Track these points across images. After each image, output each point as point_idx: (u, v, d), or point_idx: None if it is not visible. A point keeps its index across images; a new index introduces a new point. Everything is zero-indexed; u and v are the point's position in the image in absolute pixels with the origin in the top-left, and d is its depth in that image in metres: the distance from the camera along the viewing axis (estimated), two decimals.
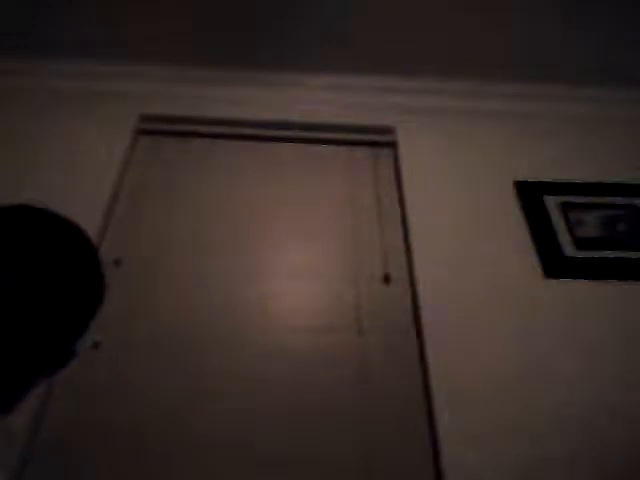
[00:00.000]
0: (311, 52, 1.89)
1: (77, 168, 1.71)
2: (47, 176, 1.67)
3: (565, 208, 1.66)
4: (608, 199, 1.69)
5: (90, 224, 1.54)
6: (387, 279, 1.58)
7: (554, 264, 1.53)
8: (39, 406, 1.28)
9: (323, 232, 1.67)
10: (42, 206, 0.62)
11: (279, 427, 1.30)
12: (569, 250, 1.56)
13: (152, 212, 1.68)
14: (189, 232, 1.64)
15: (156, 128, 1.88)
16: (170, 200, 1.72)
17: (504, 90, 1.95)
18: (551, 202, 1.67)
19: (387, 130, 1.90)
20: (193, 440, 1.27)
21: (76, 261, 0.61)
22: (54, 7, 1.78)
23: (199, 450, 1.26)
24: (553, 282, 1.50)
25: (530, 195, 1.69)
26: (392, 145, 1.88)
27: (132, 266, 1.56)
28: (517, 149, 1.83)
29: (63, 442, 1.25)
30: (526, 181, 1.72)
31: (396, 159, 1.84)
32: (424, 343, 1.39)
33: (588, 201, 1.68)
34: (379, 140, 1.90)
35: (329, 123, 1.90)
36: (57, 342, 0.60)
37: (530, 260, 1.55)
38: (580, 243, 1.58)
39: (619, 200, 1.69)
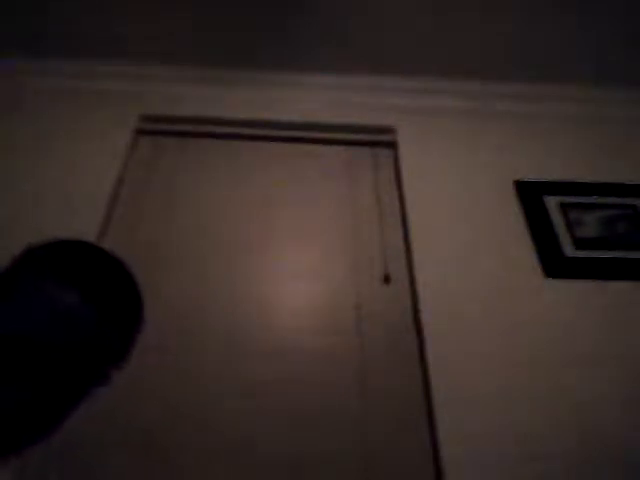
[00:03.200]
0: (311, 52, 1.89)
1: (77, 168, 1.71)
2: (47, 176, 1.68)
3: (565, 208, 1.66)
4: (608, 199, 1.69)
5: (90, 224, 1.56)
6: (387, 279, 1.58)
7: (554, 264, 1.53)
8: None
9: (323, 232, 1.67)
10: (89, 241, 0.71)
11: (279, 427, 1.30)
12: (569, 250, 1.56)
13: (152, 212, 1.69)
14: (189, 232, 1.64)
15: (156, 128, 1.88)
16: (170, 200, 1.72)
17: (504, 90, 1.95)
18: (551, 202, 1.67)
19: (387, 130, 1.90)
20: (193, 439, 1.27)
21: (122, 292, 0.67)
22: (54, 7, 1.78)
23: (199, 450, 1.26)
24: (553, 282, 1.50)
25: (530, 195, 1.69)
26: (392, 145, 1.88)
27: (132, 266, 1.55)
28: (517, 149, 1.83)
29: (63, 442, 1.25)
30: (526, 181, 1.72)
31: (396, 159, 1.84)
32: (424, 343, 1.39)
33: (588, 201, 1.68)
34: (379, 140, 1.90)
35: (329, 123, 1.90)
36: (101, 366, 0.65)
37: (530, 260, 1.55)
38: (580, 243, 1.58)
39: (619, 200, 1.69)
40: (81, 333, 0.60)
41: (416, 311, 1.48)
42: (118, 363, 0.66)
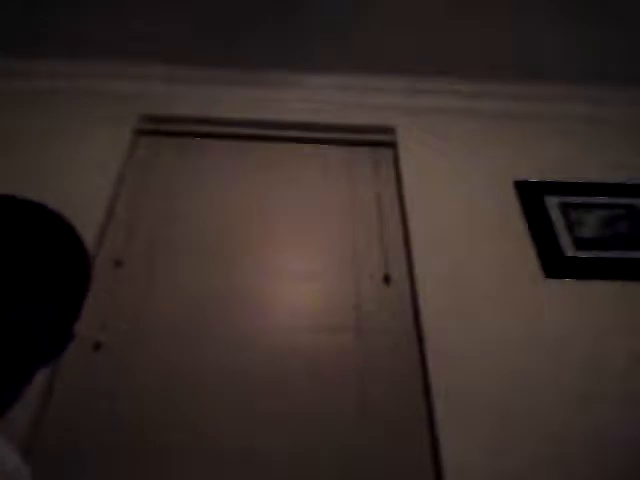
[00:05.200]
0: (311, 52, 1.89)
1: (77, 168, 1.71)
2: (47, 176, 1.67)
3: (565, 208, 1.66)
4: (608, 199, 1.69)
5: (90, 224, 1.55)
6: (387, 279, 1.58)
7: (554, 264, 1.53)
8: (39, 406, 1.28)
9: (323, 232, 1.67)
10: (21, 196, 0.64)
11: (279, 427, 1.30)
12: (569, 250, 1.56)
13: (152, 212, 1.68)
14: (189, 232, 1.64)
15: (156, 128, 1.88)
16: (170, 200, 1.72)
17: (504, 90, 1.95)
18: (551, 202, 1.67)
19: (387, 130, 1.90)
20: (193, 440, 1.27)
21: (61, 244, 0.61)
22: (54, 7, 1.78)
23: (199, 450, 1.26)
24: (553, 282, 1.50)
25: (530, 195, 1.69)
26: (392, 145, 1.88)
27: (132, 266, 1.56)
28: (517, 149, 1.83)
29: (63, 442, 1.25)
30: (526, 181, 1.72)
31: (396, 159, 1.84)
32: (424, 343, 1.39)
33: (588, 201, 1.68)
34: (379, 140, 1.90)
35: (329, 123, 1.90)
36: (55, 326, 0.60)
37: (530, 260, 1.55)
38: (580, 243, 1.58)
39: (619, 200, 1.69)
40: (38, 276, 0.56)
41: (416, 311, 1.48)
42: (72, 319, 0.63)
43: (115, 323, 1.43)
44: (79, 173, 1.69)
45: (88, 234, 1.53)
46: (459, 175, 1.75)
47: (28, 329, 0.56)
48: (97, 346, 1.39)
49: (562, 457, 1.20)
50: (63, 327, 0.62)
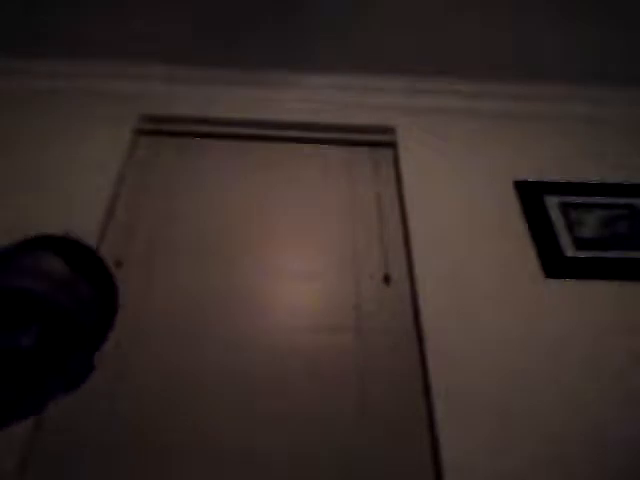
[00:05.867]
0: (311, 52, 1.89)
1: (77, 168, 1.71)
2: (47, 176, 1.67)
3: (565, 208, 1.66)
4: (608, 199, 1.69)
5: (90, 224, 1.55)
6: (387, 279, 1.58)
7: (554, 264, 1.53)
8: None
9: (323, 232, 1.67)
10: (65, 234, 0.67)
11: (279, 427, 1.30)
12: (569, 250, 1.56)
13: (152, 212, 1.68)
14: (189, 232, 1.64)
15: (156, 128, 1.88)
16: (170, 200, 1.72)
17: (504, 90, 1.94)
18: (551, 202, 1.67)
19: (387, 130, 1.90)
20: (193, 440, 1.27)
21: (93, 276, 0.63)
22: (54, 7, 1.78)
23: (199, 450, 1.26)
24: (553, 282, 1.50)
25: (530, 195, 1.69)
26: (392, 145, 1.88)
27: (132, 267, 1.56)
28: (517, 149, 1.83)
29: (63, 442, 1.25)
30: (526, 181, 1.72)
31: (396, 159, 1.84)
32: (424, 343, 1.39)
33: (588, 201, 1.68)
34: (379, 140, 1.90)
35: (329, 123, 1.90)
36: (78, 356, 0.61)
37: (530, 260, 1.55)
38: (580, 243, 1.58)
39: (619, 200, 1.69)
40: (79, 300, 0.59)
41: (416, 311, 1.48)
42: (94, 351, 0.64)
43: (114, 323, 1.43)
44: (79, 173, 1.69)
45: (88, 234, 1.54)
46: (459, 175, 1.75)
47: (58, 355, 0.57)
48: None
49: (562, 457, 1.20)
50: (85, 359, 0.63)
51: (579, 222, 1.63)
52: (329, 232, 1.67)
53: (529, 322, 1.42)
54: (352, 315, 1.50)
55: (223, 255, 1.59)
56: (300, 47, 1.87)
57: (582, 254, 1.56)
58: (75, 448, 1.25)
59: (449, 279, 1.50)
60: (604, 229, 1.62)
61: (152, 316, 1.46)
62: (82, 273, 0.61)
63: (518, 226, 1.63)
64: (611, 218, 1.64)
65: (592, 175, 1.75)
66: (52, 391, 0.59)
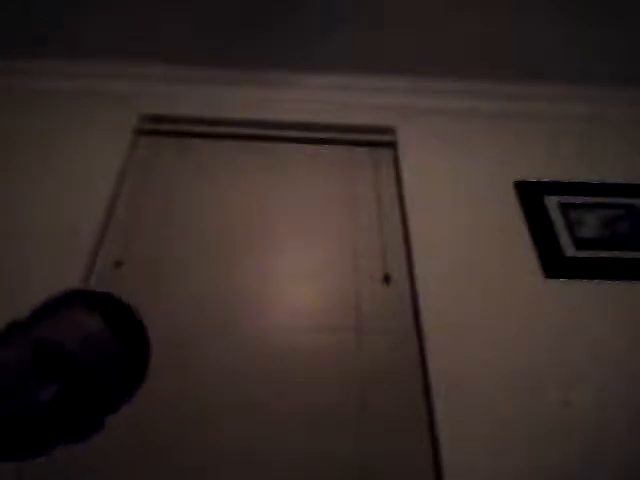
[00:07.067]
0: (311, 52, 1.89)
1: (77, 168, 1.71)
2: (47, 176, 1.67)
3: (565, 208, 1.66)
4: (608, 199, 1.69)
5: (90, 224, 1.56)
6: (387, 279, 1.58)
7: (554, 264, 1.53)
8: None
9: (323, 232, 1.67)
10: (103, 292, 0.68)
11: (279, 426, 1.30)
12: (569, 250, 1.56)
13: (152, 212, 1.68)
14: (189, 232, 1.64)
15: (156, 128, 1.88)
16: (170, 200, 1.72)
17: (504, 90, 1.94)
18: (551, 202, 1.67)
19: (387, 130, 1.90)
20: (193, 440, 1.27)
21: (129, 341, 0.64)
22: (54, 7, 1.78)
23: (199, 450, 1.26)
24: (553, 282, 1.50)
25: (530, 195, 1.69)
26: (392, 145, 1.88)
27: (132, 267, 1.56)
28: (517, 149, 1.83)
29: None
30: (526, 181, 1.72)
31: (396, 159, 1.84)
32: (424, 343, 1.39)
33: (588, 201, 1.68)
34: (379, 140, 1.90)
35: (329, 123, 1.90)
36: (91, 415, 0.61)
37: (530, 260, 1.55)
38: (580, 243, 1.58)
39: (619, 200, 1.69)
40: (106, 361, 0.60)
41: (416, 311, 1.48)
42: (110, 412, 0.65)
43: None
44: (79, 173, 1.69)
45: (88, 234, 1.54)
46: (459, 175, 1.75)
47: (77, 409, 0.58)
48: None
49: (562, 457, 1.20)
50: (98, 418, 0.63)
51: (579, 222, 1.63)
52: (329, 232, 1.67)
53: (529, 322, 1.42)
54: (352, 315, 1.50)
55: (223, 255, 1.59)
56: (300, 47, 1.87)
57: (582, 254, 1.56)
58: (75, 448, 1.24)
59: (449, 279, 1.50)
60: (604, 229, 1.62)
61: (152, 316, 1.46)
62: (119, 336, 0.62)
63: (518, 226, 1.63)
64: (611, 218, 1.64)
65: (592, 175, 1.75)
66: (56, 442, 0.60)
